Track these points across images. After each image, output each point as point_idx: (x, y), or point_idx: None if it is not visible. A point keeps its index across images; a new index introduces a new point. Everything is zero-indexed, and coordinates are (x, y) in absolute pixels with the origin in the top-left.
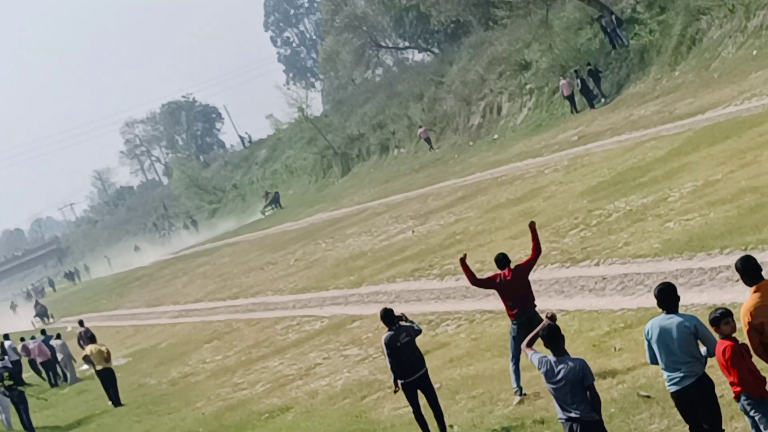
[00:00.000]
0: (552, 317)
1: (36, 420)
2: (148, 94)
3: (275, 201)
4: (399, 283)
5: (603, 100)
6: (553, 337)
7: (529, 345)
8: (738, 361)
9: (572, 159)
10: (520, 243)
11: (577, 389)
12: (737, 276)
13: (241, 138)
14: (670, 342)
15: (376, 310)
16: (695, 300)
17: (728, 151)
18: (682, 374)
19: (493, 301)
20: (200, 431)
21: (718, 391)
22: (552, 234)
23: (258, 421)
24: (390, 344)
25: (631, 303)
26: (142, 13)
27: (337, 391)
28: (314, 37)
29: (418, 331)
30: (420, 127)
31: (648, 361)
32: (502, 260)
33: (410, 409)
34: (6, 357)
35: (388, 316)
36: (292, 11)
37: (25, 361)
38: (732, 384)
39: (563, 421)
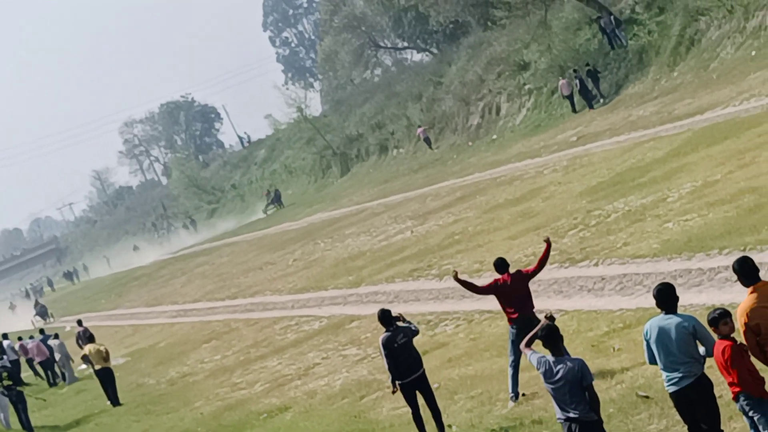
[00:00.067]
0: (550, 318)
1: (35, 420)
2: (147, 94)
3: (276, 200)
4: (398, 283)
5: (602, 100)
6: (552, 338)
7: (528, 345)
8: (737, 362)
9: (571, 159)
10: (519, 243)
11: (575, 389)
12: (736, 276)
13: (240, 138)
14: (669, 342)
15: (375, 310)
16: (694, 300)
17: (727, 152)
18: (680, 374)
19: (491, 302)
20: (199, 431)
21: (716, 392)
22: (551, 234)
23: (256, 420)
24: (387, 345)
25: (630, 303)
26: (142, 13)
27: (335, 390)
28: (313, 37)
29: (416, 332)
30: (419, 126)
31: (647, 361)
32: (500, 265)
33: (409, 408)
34: (5, 356)
35: (385, 316)
36: (290, 11)
37: (23, 360)
38: (731, 384)
39: (562, 421)
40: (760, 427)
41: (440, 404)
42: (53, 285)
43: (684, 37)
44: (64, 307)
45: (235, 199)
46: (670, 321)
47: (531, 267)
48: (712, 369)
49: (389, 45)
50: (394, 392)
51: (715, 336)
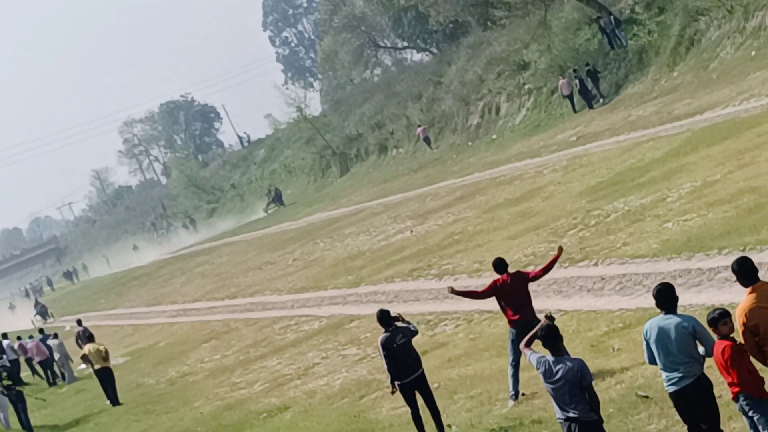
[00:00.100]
0: (550, 318)
1: (34, 419)
2: (147, 94)
3: (277, 199)
4: (397, 283)
5: (601, 100)
6: (552, 338)
7: (528, 345)
8: (737, 362)
9: (571, 159)
10: (519, 243)
11: (575, 389)
12: (735, 277)
13: (240, 138)
14: (669, 342)
15: (375, 309)
16: (693, 300)
17: (727, 152)
18: (680, 374)
19: (491, 302)
20: (198, 430)
21: (716, 392)
22: (550, 234)
23: (256, 420)
24: (386, 346)
25: (630, 303)
26: (142, 13)
27: (335, 390)
28: (313, 36)
29: (415, 332)
30: (419, 126)
31: (646, 361)
32: (499, 264)
33: (408, 408)
34: (4, 356)
35: (384, 317)
36: (290, 11)
37: (22, 360)
38: (730, 384)
39: (561, 421)
40: (760, 427)
41: (440, 404)
42: (53, 284)
43: (684, 37)
44: (64, 307)
45: (234, 199)
46: (670, 321)
47: (534, 270)
48: (711, 369)
49: (389, 45)
50: (393, 392)
51: (714, 336)
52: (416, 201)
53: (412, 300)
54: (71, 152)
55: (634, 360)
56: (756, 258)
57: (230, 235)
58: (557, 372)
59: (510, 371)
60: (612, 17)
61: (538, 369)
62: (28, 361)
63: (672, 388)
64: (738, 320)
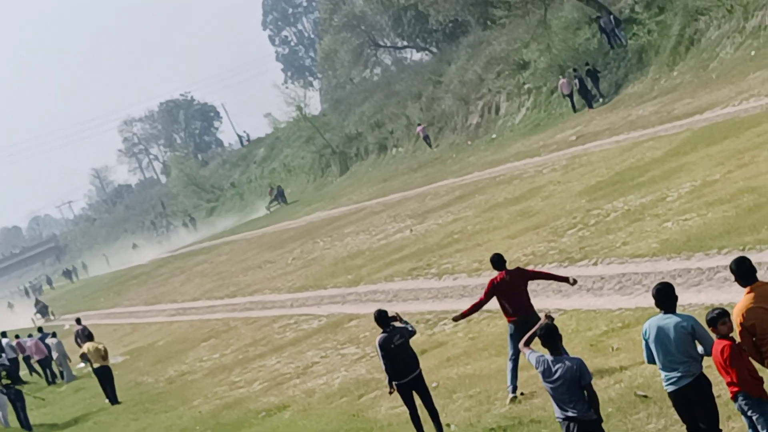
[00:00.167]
0: (549, 317)
1: (33, 418)
2: (147, 93)
3: (279, 196)
4: (397, 282)
5: (601, 100)
6: (551, 337)
7: (527, 344)
8: (736, 361)
9: (570, 159)
10: (518, 243)
11: (574, 388)
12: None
13: (239, 137)
14: (668, 342)
15: (374, 309)
16: (693, 300)
17: (726, 152)
18: (679, 374)
19: (490, 301)
20: (197, 429)
21: (715, 391)
22: (550, 233)
23: (255, 419)
24: (384, 346)
25: (629, 303)
26: (141, 12)
27: (334, 389)
28: (312, 36)
29: (413, 332)
30: (419, 125)
31: (645, 360)
32: (497, 261)
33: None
34: (3, 355)
35: (382, 317)
36: (290, 10)
37: (20, 359)
38: (729, 384)
39: (561, 420)
40: (759, 427)
41: (439, 403)
42: (52, 283)
43: (683, 37)
44: (63, 306)
45: (234, 198)
46: (669, 320)
47: (538, 270)
48: (710, 369)
49: (389, 44)
50: (391, 393)
51: (713, 336)
52: (416, 200)
53: (412, 299)
54: (71, 151)
55: (634, 359)
56: (755, 258)
57: (230, 234)
58: (556, 371)
59: (509, 365)
60: (612, 17)
61: (537, 368)
62: (26, 359)
63: (671, 388)
64: (735, 320)
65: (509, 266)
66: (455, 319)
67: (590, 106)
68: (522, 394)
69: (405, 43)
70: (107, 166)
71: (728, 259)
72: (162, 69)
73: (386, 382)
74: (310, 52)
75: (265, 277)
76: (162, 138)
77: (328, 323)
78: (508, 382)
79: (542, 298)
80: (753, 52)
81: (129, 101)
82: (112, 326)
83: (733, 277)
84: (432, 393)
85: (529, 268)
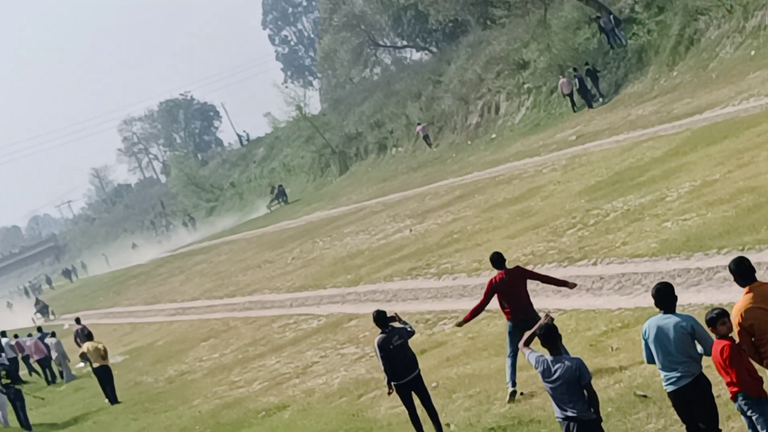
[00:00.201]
0: (549, 317)
1: (33, 417)
2: (147, 93)
3: (281, 195)
4: (396, 282)
5: (601, 99)
6: (550, 337)
7: (526, 344)
8: (736, 361)
9: (570, 158)
10: (518, 242)
11: (573, 388)
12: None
13: (239, 136)
14: (667, 342)
15: (374, 308)
16: (692, 300)
17: (726, 152)
18: (678, 374)
19: (491, 301)
20: (197, 429)
21: (715, 391)
22: (549, 233)
23: (255, 419)
24: (383, 347)
25: (629, 303)
26: (141, 12)
27: (333, 389)
28: (312, 35)
29: (411, 333)
30: (419, 124)
31: (644, 360)
32: (496, 260)
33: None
34: (3, 354)
35: (380, 318)
36: (290, 10)
37: (18, 358)
38: (729, 384)
39: (560, 420)
40: (759, 427)
41: (438, 403)
42: (52, 283)
43: (683, 37)
44: (63, 305)
45: (233, 197)
46: (669, 320)
47: (538, 271)
48: (710, 369)
49: (388, 44)
50: (390, 393)
51: (713, 336)
52: (415, 200)
53: (411, 299)
54: (70, 150)
55: (633, 359)
56: (755, 257)
57: (229, 233)
58: (555, 371)
59: (508, 362)
60: (611, 16)
61: (536, 368)
62: (25, 359)
63: (670, 388)
64: (734, 320)
65: (509, 266)
66: (459, 325)
67: (590, 106)
68: (522, 393)
69: (405, 42)
70: (107, 165)
71: (728, 259)
72: (162, 68)
73: (385, 382)
74: (310, 52)
75: (265, 277)
76: (161, 137)
77: (327, 323)
78: (507, 378)
79: (542, 298)
80: (753, 52)
81: (129, 101)
82: (111, 326)
83: (732, 277)
84: (432, 393)
85: (529, 267)
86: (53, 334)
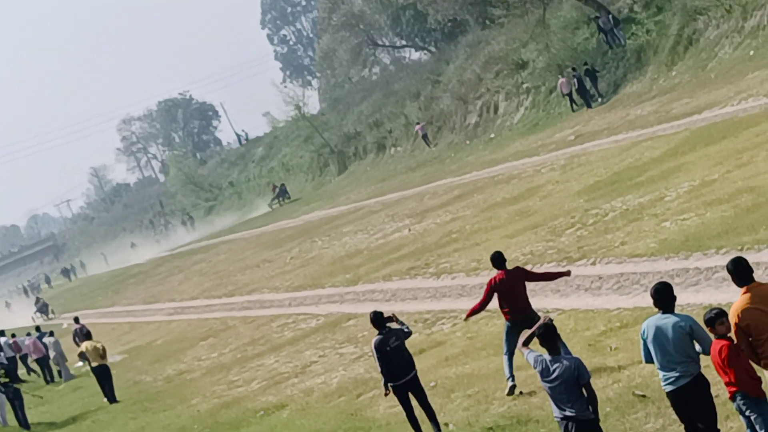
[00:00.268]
0: (548, 318)
1: (31, 416)
2: (146, 92)
3: (283, 194)
4: (395, 282)
5: (600, 99)
6: (549, 337)
7: (525, 344)
8: (734, 361)
9: (569, 158)
10: (517, 242)
11: (572, 388)
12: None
13: (238, 136)
14: (666, 342)
15: (372, 308)
16: (691, 300)
17: (725, 152)
18: (677, 374)
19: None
20: (195, 428)
21: (713, 391)
22: (548, 233)
23: (253, 418)
24: (380, 348)
25: (627, 302)
26: (141, 12)
27: (332, 388)
28: (311, 35)
29: (408, 334)
30: (418, 123)
31: (643, 359)
32: (497, 259)
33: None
34: (1, 353)
35: (377, 319)
36: (289, 9)
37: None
38: (728, 384)
39: (559, 420)
40: (757, 427)
41: (437, 402)
42: (50, 282)
43: (682, 37)
44: (62, 304)
45: (232, 197)
46: (668, 320)
47: (537, 271)
48: (709, 368)
49: (387, 43)
50: (386, 395)
51: (711, 336)
52: (414, 199)
53: (410, 298)
54: (70, 150)
55: (632, 359)
56: (753, 257)
57: (228, 233)
58: (554, 371)
59: (505, 359)
60: (610, 16)
61: (535, 368)
62: (23, 358)
63: (669, 388)
64: (731, 320)
65: (508, 266)
66: (466, 319)
67: (589, 106)
68: (521, 393)
69: (404, 42)
70: (106, 164)
71: (726, 259)
72: (161, 68)
73: (382, 383)
74: (309, 51)
75: (264, 277)
76: (160, 137)
77: (326, 322)
78: (506, 373)
79: (540, 298)
80: (752, 52)
81: (128, 100)
82: (110, 325)
83: (730, 277)
84: (430, 392)
85: (528, 267)
86: (51, 334)
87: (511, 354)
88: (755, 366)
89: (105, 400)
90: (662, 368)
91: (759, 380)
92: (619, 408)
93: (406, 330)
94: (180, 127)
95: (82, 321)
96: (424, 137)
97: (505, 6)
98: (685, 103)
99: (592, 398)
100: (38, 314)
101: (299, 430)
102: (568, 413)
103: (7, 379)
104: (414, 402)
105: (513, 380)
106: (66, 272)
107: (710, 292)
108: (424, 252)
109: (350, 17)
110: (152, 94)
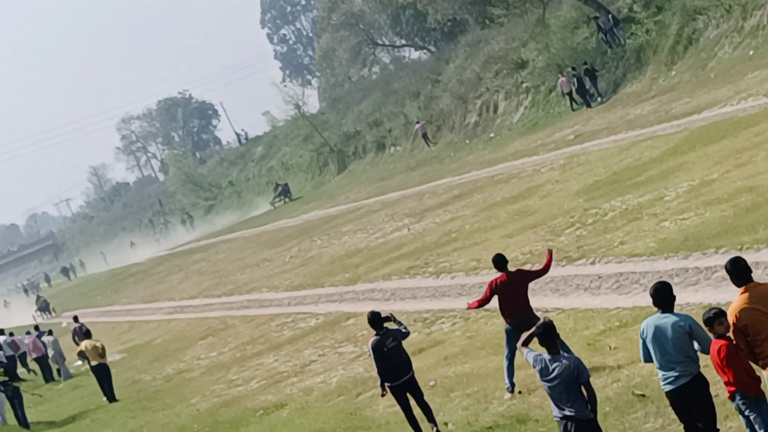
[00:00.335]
0: (547, 319)
1: (31, 415)
2: (145, 91)
3: (285, 192)
4: (394, 281)
5: (599, 99)
6: (548, 336)
7: (525, 344)
8: (733, 361)
9: (568, 158)
10: (516, 242)
11: (571, 387)
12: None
13: (238, 135)
14: (665, 341)
15: (371, 307)
16: (690, 299)
17: (724, 151)
18: (676, 373)
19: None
20: (195, 427)
21: (712, 391)
22: (548, 233)
23: (252, 417)
24: (377, 349)
25: (627, 302)
26: (141, 11)
27: (331, 388)
28: (311, 34)
29: (406, 334)
30: (417, 122)
31: (641, 359)
32: (499, 261)
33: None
34: (0, 352)
35: (375, 319)
36: (288, 8)
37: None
38: (727, 383)
39: (558, 419)
40: (756, 426)
41: (436, 402)
42: (50, 281)
43: (682, 37)
44: (61, 303)
45: (232, 196)
46: (667, 320)
47: (536, 269)
48: (708, 368)
49: (387, 43)
50: (383, 395)
51: (711, 335)
52: (414, 199)
53: (409, 298)
54: (69, 149)
55: (631, 359)
56: (753, 257)
57: (228, 232)
58: (553, 370)
59: (505, 363)
60: (610, 16)
61: (534, 367)
62: (21, 357)
63: (668, 387)
64: (729, 320)
65: (509, 267)
66: (468, 307)
67: (588, 106)
68: (519, 392)
69: (403, 41)
70: (105, 164)
71: (726, 259)
72: (160, 67)
73: (378, 384)
74: (309, 51)
75: (263, 276)
76: (160, 136)
77: (325, 322)
78: (506, 381)
79: (540, 297)
80: (751, 52)
81: (127, 99)
82: (109, 324)
83: (729, 277)
84: (430, 392)
85: (526, 267)
86: (50, 332)
87: (511, 358)
88: (754, 365)
89: (104, 399)
90: (661, 368)
91: (758, 380)
92: (618, 407)
93: (403, 330)
94: (179, 126)
95: (81, 320)
96: (424, 136)
97: (504, 5)
98: (685, 102)
99: (592, 398)
100: (39, 313)
101: (298, 429)
102: (567, 413)
103: (6, 378)
104: (412, 402)
105: (512, 390)
106: (65, 271)
107: (709, 292)
108: (424, 251)
109: (350, 16)
110: (152, 93)
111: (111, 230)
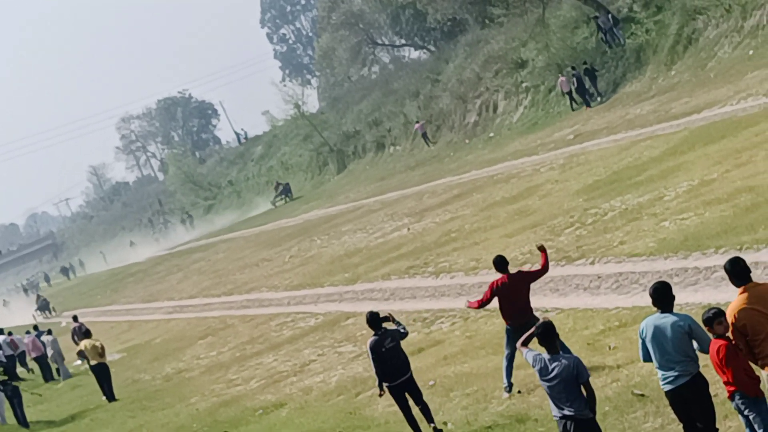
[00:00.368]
0: (547, 319)
1: (30, 415)
2: (145, 91)
3: (286, 192)
4: (394, 281)
5: (599, 99)
6: (548, 336)
7: (525, 344)
8: (732, 361)
9: (568, 158)
10: (515, 241)
11: (571, 387)
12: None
13: (237, 134)
14: (665, 341)
15: (371, 307)
16: (690, 299)
17: (724, 151)
18: (676, 373)
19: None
20: (194, 427)
21: (712, 390)
22: (547, 232)
23: (252, 417)
24: (375, 349)
25: (626, 302)
26: (140, 11)
27: (331, 387)
28: (310, 34)
29: (405, 334)
30: (417, 122)
31: (641, 359)
32: (499, 263)
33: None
34: (0, 352)
35: (373, 320)
36: (288, 8)
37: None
38: (726, 383)
39: (557, 419)
40: (755, 426)
41: (436, 401)
42: (50, 280)
43: (681, 36)
44: (61, 303)
45: (231, 196)
46: (666, 320)
47: (535, 269)
48: (708, 368)
49: (387, 42)
50: (381, 395)
51: (710, 335)
52: (413, 198)
53: (409, 297)
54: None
55: (630, 358)
56: (752, 257)
57: (227, 231)
58: (553, 370)
59: (504, 363)
60: (610, 16)
61: (534, 367)
62: (20, 356)
63: (668, 387)
64: (728, 320)
65: (510, 268)
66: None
67: (588, 105)
68: (519, 392)
69: (403, 41)
70: (105, 163)
71: (725, 259)
72: (160, 67)
73: (376, 384)
74: (308, 50)
75: (263, 275)
76: (160, 135)
77: (325, 321)
78: (504, 381)
79: (539, 297)
80: (751, 52)
81: (127, 99)
82: (109, 323)
83: (728, 277)
84: (429, 391)
85: (526, 268)
86: (49, 332)
87: (511, 359)
88: (753, 365)
89: (104, 398)
90: (661, 367)
91: (757, 379)
92: (617, 407)
93: (402, 330)
94: (179, 126)
95: (80, 319)
96: (424, 136)
97: (504, 5)
98: (685, 102)
99: (591, 397)
100: (39, 312)
101: (298, 429)
102: (566, 412)
103: (5, 377)
104: (411, 402)
105: (510, 390)
106: (65, 271)
107: (709, 292)
108: (423, 251)
109: (350, 16)
110: (152, 92)
111: (110, 230)
